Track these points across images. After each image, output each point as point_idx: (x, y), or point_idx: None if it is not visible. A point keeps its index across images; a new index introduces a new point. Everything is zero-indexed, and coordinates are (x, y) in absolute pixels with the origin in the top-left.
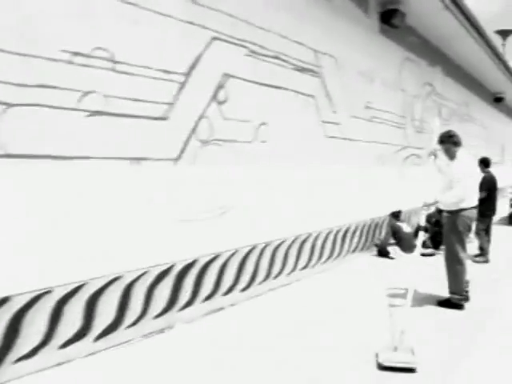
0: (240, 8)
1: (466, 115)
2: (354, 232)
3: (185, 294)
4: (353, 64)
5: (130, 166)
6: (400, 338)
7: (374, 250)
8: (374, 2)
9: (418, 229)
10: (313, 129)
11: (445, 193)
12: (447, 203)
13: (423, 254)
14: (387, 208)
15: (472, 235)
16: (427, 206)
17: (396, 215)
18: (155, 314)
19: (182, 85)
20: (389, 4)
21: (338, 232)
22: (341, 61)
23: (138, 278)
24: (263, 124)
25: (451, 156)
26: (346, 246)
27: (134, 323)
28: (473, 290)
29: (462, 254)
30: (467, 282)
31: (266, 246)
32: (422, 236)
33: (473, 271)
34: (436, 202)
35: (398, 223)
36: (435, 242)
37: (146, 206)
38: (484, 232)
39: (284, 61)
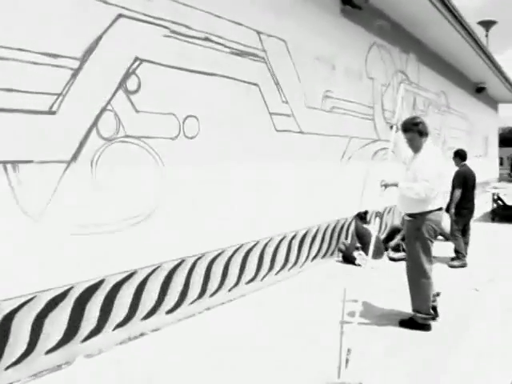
0: None
1: (445, 106)
2: (314, 237)
3: (90, 322)
4: (308, 49)
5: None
6: (347, 364)
7: (339, 256)
8: None
9: (393, 231)
10: (258, 122)
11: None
12: (408, 203)
13: (392, 259)
14: (353, 208)
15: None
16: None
17: (362, 216)
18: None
19: (76, 71)
20: None
21: (293, 237)
22: (293, 45)
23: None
24: (190, 117)
25: (416, 147)
26: (303, 252)
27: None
28: (445, 302)
29: (427, 266)
30: (435, 296)
31: (198, 259)
32: (396, 239)
33: (447, 277)
34: None
35: (365, 225)
36: None
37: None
38: (460, 233)
39: (217, 43)
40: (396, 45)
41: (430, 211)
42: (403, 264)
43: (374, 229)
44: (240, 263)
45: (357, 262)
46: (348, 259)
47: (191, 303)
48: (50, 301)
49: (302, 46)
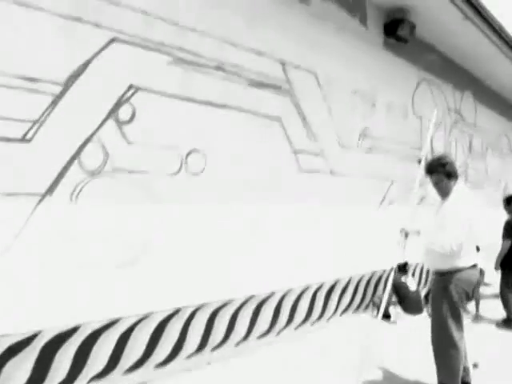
0: (158, 2)
1: (507, 148)
2: (345, 288)
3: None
4: (343, 82)
5: None
6: None
7: (374, 311)
8: (373, 9)
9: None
10: (279, 160)
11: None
12: (434, 258)
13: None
14: (393, 259)
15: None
16: None
17: (401, 268)
18: None
19: (58, 97)
20: (394, 13)
21: (319, 289)
22: (324, 77)
23: None
24: (195, 152)
25: (444, 192)
26: (331, 305)
27: None
28: (484, 376)
29: (455, 333)
30: (467, 370)
31: (197, 310)
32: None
33: (492, 344)
34: None
35: (403, 278)
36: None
37: None
38: (509, 291)
39: (232, 73)
40: (449, 81)
41: (462, 269)
42: None
43: (413, 282)
44: (250, 317)
45: (392, 319)
46: (383, 315)
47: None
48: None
49: (334, 79)
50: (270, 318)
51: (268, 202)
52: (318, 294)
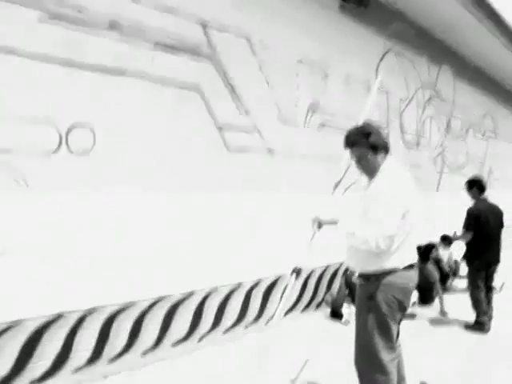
0: None
1: (491, 131)
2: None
3: None
4: (286, 50)
5: None
6: None
7: (327, 309)
8: None
9: None
10: (198, 138)
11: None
12: (357, 256)
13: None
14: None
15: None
16: None
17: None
18: None
19: None
20: None
21: (255, 286)
22: (260, 43)
23: None
24: (79, 127)
25: (369, 171)
26: (269, 306)
27: None
28: None
29: (384, 355)
30: None
31: (54, 321)
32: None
33: (454, 353)
34: None
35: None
36: (423, 295)
37: None
38: (477, 287)
39: (131, 34)
40: (422, 54)
41: (393, 271)
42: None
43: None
44: (162, 319)
45: (344, 319)
46: (336, 314)
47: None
48: None
49: (276, 45)
50: (188, 322)
51: (184, 190)
52: (254, 292)
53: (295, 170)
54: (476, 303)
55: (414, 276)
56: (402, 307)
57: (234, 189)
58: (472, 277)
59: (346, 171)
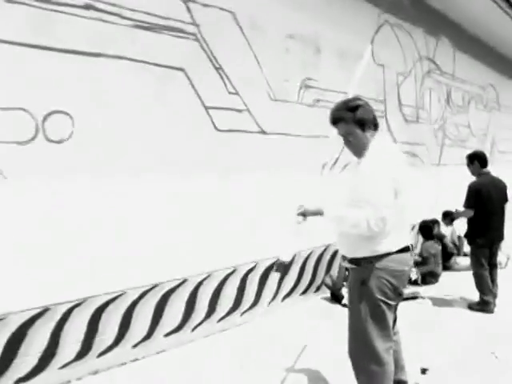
0: None
1: (494, 102)
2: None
3: None
4: (275, 25)
5: None
6: None
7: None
8: None
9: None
10: (184, 119)
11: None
12: (347, 241)
13: None
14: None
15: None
16: None
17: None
18: None
19: None
20: None
21: (251, 270)
22: (247, 18)
23: None
24: (57, 113)
25: (357, 149)
26: (266, 290)
27: None
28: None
29: (379, 344)
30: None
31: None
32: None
33: (459, 328)
34: None
35: None
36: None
37: None
38: (481, 266)
39: (109, 13)
40: (419, 25)
41: (385, 255)
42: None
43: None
44: (152, 309)
45: (344, 301)
46: (336, 297)
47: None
48: None
49: (264, 21)
50: (181, 311)
51: (171, 172)
52: (250, 276)
53: (288, 149)
54: (480, 282)
55: (409, 259)
56: (396, 292)
57: (223, 170)
58: (475, 255)
59: (335, 151)
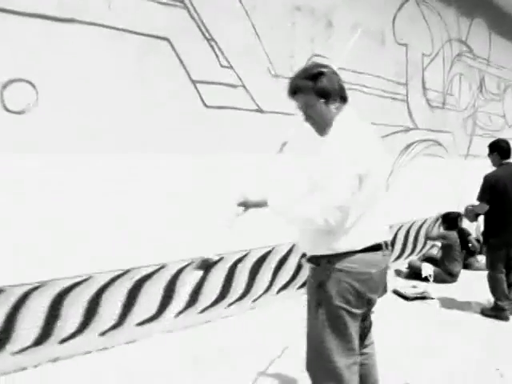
0: None
1: None
2: (285, 258)
3: None
4: None
5: None
6: None
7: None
8: None
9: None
10: (168, 93)
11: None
12: (304, 236)
13: (402, 295)
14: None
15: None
16: None
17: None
18: None
19: None
20: None
21: (241, 260)
22: None
23: None
24: (18, 82)
25: (319, 124)
26: (260, 282)
27: None
28: None
29: (339, 359)
30: None
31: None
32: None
33: (473, 335)
34: None
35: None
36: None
37: None
38: (497, 271)
39: None
40: (450, 4)
41: (347, 254)
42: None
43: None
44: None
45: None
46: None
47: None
48: None
49: None
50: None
51: (152, 150)
52: (240, 266)
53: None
54: (494, 286)
55: (380, 260)
56: (363, 299)
57: (211, 150)
58: (490, 257)
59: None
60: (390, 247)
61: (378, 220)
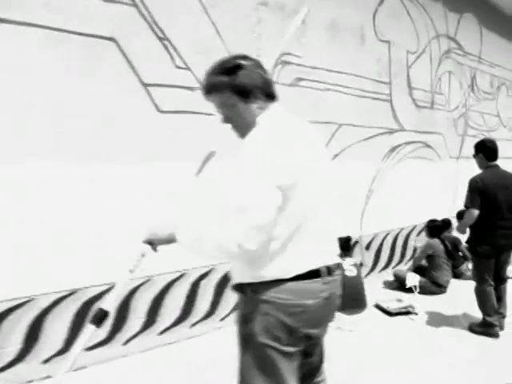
0: None
1: None
2: None
3: None
4: None
5: None
6: None
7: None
8: None
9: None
10: (116, 98)
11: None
12: (232, 263)
13: (385, 311)
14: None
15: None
16: None
17: (343, 246)
18: None
19: None
20: None
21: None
22: None
23: None
24: None
25: (240, 126)
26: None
27: None
28: None
29: None
30: None
31: None
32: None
33: (460, 356)
34: None
35: (346, 259)
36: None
37: None
38: (484, 282)
39: None
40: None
41: (275, 282)
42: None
43: (351, 267)
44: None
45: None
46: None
47: None
48: None
49: None
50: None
51: (98, 160)
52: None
53: None
54: (482, 300)
55: (319, 289)
56: (297, 336)
57: (165, 158)
58: (477, 268)
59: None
60: (338, 271)
61: (320, 239)
